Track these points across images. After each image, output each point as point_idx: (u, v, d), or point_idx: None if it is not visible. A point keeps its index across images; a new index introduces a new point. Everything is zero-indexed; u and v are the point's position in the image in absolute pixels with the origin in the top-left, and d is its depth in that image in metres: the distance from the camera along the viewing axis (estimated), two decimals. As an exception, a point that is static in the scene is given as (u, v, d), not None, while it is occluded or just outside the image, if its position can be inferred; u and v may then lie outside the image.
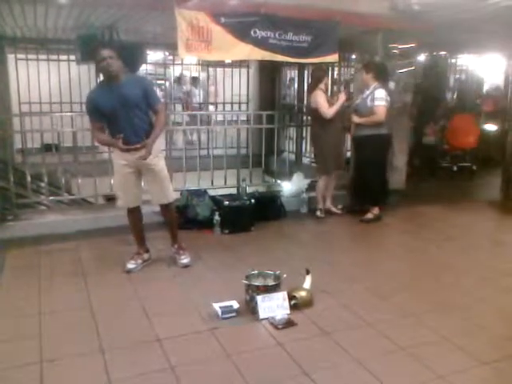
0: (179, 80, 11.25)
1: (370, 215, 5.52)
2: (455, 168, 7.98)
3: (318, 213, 5.64)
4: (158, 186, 3.90)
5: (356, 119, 5.38)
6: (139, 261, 4.01)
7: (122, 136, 3.61)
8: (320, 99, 5.40)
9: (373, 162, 5.41)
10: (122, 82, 3.64)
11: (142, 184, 4.00)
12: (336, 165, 5.65)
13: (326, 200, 5.76)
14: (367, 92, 5.34)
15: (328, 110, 5.37)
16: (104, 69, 3.59)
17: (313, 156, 6.46)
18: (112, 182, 5.28)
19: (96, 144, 6.20)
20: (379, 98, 5.20)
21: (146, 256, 4.09)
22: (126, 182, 3.85)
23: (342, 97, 5.48)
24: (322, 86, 5.49)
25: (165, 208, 4.04)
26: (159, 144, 3.91)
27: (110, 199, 5.32)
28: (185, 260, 4.04)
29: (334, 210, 5.78)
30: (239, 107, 9.95)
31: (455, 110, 8.57)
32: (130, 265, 3.94)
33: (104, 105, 3.62)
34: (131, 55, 6.10)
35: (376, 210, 5.52)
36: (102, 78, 3.88)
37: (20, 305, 3.35)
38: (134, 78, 4.03)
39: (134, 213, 4.00)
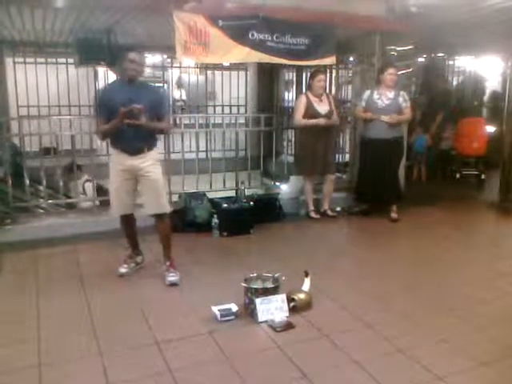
0: None
1: (396, 214, 5.60)
2: (458, 175, 7.65)
3: (312, 214, 5.65)
4: (152, 194, 3.76)
5: (393, 118, 5.31)
6: (132, 264, 3.99)
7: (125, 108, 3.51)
8: (299, 105, 5.53)
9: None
10: (138, 85, 3.70)
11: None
12: (312, 169, 5.62)
13: (323, 202, 5.75)
14: (393, 93, 5.38)
15: (299, 120, 5.51)
16: (128, 69, 3.62)
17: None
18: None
19: (94, 146, 6.16)
20: (408, 99, 5.46)
21: (138, 259, 4.07)
22: (120, 188, 3.77)
23: (321, 121, 5.42)
24: (316, 87, 5.48)
25: (158, 219, 3.85)
26: (157, 153, 3.87)
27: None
28: (173, 278, 3.76)
29: (329, 213, 5.72)
30: (238, 110, 9.95)
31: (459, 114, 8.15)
32: (123, 269, 3.92)
33: (114, 99, 3.61)
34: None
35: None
36: (119, 76, 3.92)
37: (18, 309, 3.34)
38: (151, 85, 4.13)
39: (127, 219, 3.94)
